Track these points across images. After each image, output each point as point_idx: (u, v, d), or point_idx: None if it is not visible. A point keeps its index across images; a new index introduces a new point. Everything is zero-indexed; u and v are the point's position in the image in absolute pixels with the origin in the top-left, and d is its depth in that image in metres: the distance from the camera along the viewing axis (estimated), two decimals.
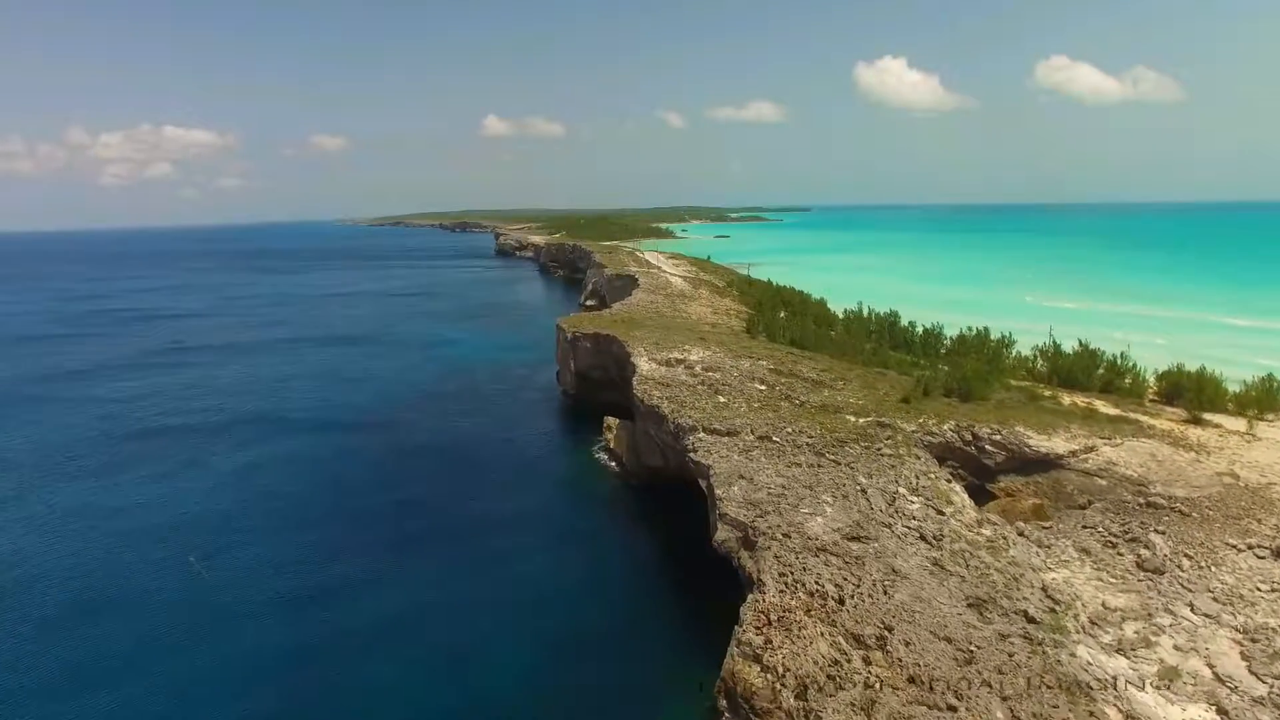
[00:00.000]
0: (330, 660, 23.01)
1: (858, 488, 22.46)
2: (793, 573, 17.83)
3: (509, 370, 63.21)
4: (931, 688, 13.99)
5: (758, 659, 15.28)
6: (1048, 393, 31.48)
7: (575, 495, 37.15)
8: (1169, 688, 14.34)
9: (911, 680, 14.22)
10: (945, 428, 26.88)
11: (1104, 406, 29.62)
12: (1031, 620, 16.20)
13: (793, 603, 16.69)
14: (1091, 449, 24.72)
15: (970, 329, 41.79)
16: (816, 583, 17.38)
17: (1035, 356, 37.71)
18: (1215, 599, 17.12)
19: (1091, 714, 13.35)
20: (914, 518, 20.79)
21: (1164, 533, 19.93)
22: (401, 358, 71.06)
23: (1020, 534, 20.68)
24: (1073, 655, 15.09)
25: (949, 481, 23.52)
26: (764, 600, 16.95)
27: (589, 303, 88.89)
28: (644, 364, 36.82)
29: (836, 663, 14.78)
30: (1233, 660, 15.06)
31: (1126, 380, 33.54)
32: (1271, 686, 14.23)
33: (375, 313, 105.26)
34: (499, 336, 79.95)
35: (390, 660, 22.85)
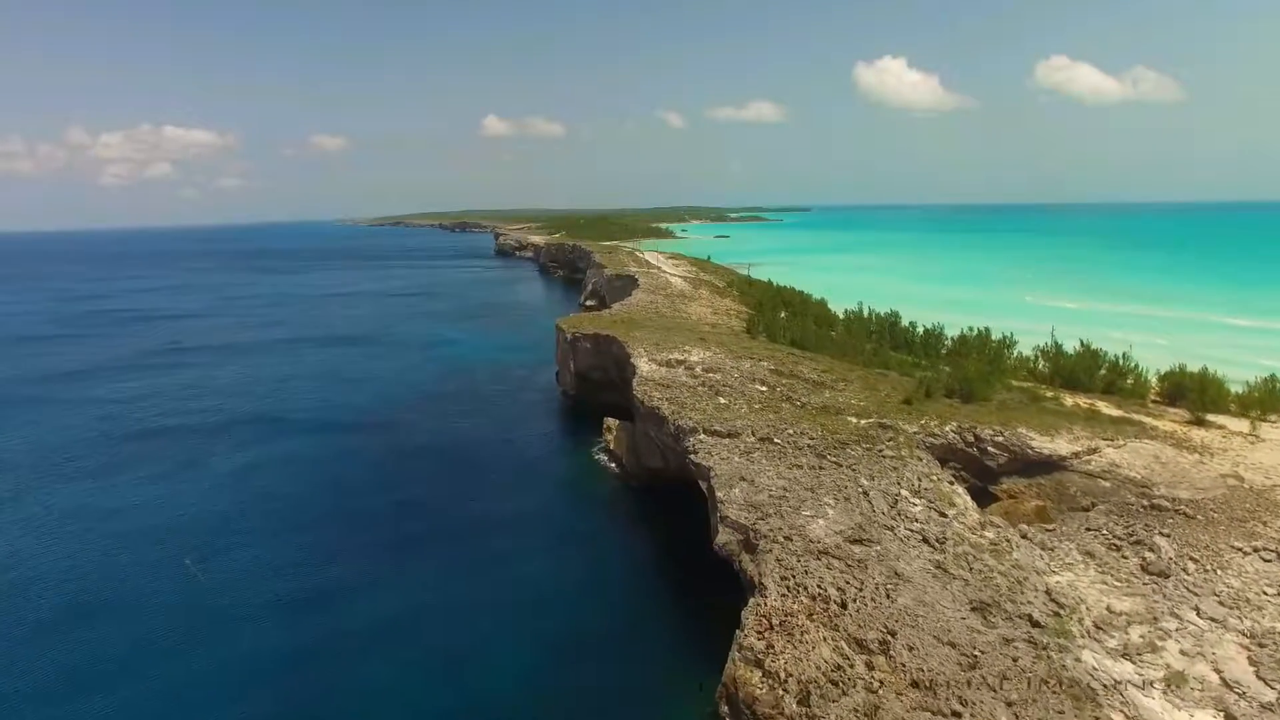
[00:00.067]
0: (328, 663, 22.85)
1: (860, 490, 22.30)
2: (794, 576, 17.67)
3: (509, 371, 63.06)
4: (935, 693, 13.84)
5: (759, 664, 15.12)
6: (1050, 394, 31.33)
7: (575, 497, 36.99)
8: (1176, 693, 14.18)
9: (915, 685, 14.07)
10: (947, 429, 26.72)
11: (1106, 407, 29.47)
12: (1036, 624, 16.03)
13: (795, 607, 16.53)
14: (1094, 450, 24.57)
15: (971, 329, 41.63)
16: (819, 586, 17.21)
17: (1037, 357, 37.55)
18: (1221, 603, 16.95)
19: (1097, 719, 13.21)
20: (916, 520, 20.63)
21: (1168, 535, 19.76)
22: (401, 358, 70.92)
23: (1023, 537, 20.52)
24: (1078, 660, 14.93)
25: (951, 483, 23.35)
26: (765, 604, 16.79)
27: (589, 303, 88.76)
28: (644, 365, 36.66)
29: (839, 667, 14.62)
30: (1240, 665, 14.89)
31: (1129, 381, 33.37)
32: None
33: (375, 313, 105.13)
34: (499, 337, 79.80)
35: (389, 662, 22.70)
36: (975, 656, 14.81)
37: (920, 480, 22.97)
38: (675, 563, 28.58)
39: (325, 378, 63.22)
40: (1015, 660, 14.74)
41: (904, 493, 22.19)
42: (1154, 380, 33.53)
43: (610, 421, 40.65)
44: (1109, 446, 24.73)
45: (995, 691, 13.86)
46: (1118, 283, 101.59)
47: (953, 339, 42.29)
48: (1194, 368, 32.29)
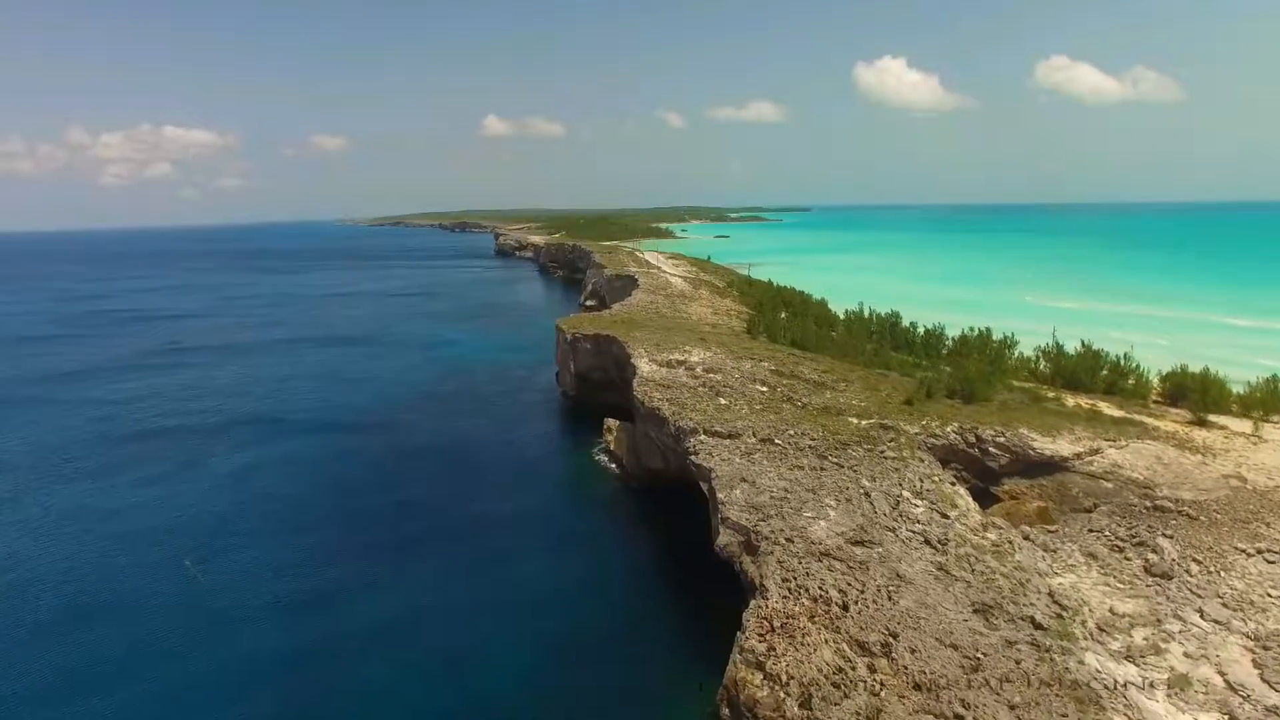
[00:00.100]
0: (328, 664, 22.77)
1: (861, 491, 22.23)
2: (796, 578, 17.59)
3: (509, 371, 62.98)
4: (938, 695, 13.76)
5: (760, 666, 15.04)
6: (1051, 394, 31.26)
7: (575, 497, 36.92)
8: (1179, 696, 14.10)
9: (917, 687, 13.99)
10: (948, 430, 26.65)
11: (1108, 408, 29.39)
12: (1039, 626, 15.96)
13: (796, 609, 16.45)
14: (1096, 451, 24.49)
15: (972, 330, 41.56)
16: (820, 588, 17.14)
17: (1038, 357, 37.48)
18: (1225, 605, 16.87)
19: None
20: (918, 521, 20.56)
21: (1171, 536, 19.68)
22: (401, 358, 70.83)
23: (1026, 538, 20.43)
24: (1081, 662, 14.85)
25: (953, 485, 23.27)
26: (767, 606, 16.71)
27: (589, 303, 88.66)
28: (644, 365, 36.58)
29: (841, 670, 14.54)
30: (1244, 668, 14.81)
31: (1130, 381, 33.30)
32: None
33: (375, 313, 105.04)
34: (498, 337, 79.71)
35: (389, 663, 22.62)
36: (978, 659, 14.73)
37: (922, 481, 22.90)
38: (676, 564, 28.50)
39: (325, 378, 63.13)
40: (1018, 662, 14.66)
41: (905, 494, 22.11)
42: (1155, 381, 33.46)
43: (610, 422, 40.57)
44: (1111, 447, 24.65)
45: (998, 694, 13.79)
46: (1118, 283, 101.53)
47: (953, 339, 42.23)
48: (1195, 368, 32.20)
